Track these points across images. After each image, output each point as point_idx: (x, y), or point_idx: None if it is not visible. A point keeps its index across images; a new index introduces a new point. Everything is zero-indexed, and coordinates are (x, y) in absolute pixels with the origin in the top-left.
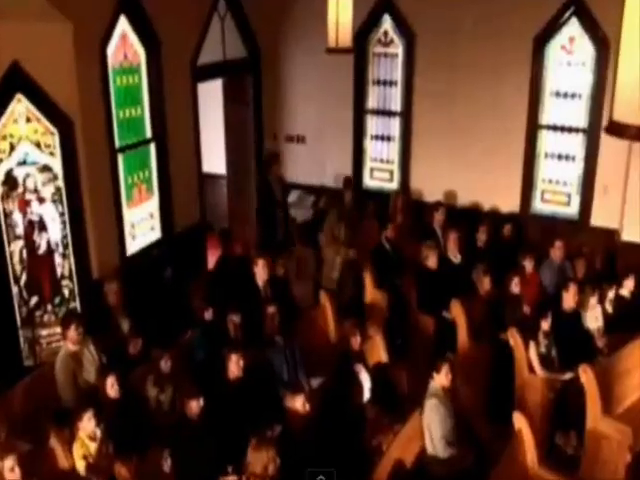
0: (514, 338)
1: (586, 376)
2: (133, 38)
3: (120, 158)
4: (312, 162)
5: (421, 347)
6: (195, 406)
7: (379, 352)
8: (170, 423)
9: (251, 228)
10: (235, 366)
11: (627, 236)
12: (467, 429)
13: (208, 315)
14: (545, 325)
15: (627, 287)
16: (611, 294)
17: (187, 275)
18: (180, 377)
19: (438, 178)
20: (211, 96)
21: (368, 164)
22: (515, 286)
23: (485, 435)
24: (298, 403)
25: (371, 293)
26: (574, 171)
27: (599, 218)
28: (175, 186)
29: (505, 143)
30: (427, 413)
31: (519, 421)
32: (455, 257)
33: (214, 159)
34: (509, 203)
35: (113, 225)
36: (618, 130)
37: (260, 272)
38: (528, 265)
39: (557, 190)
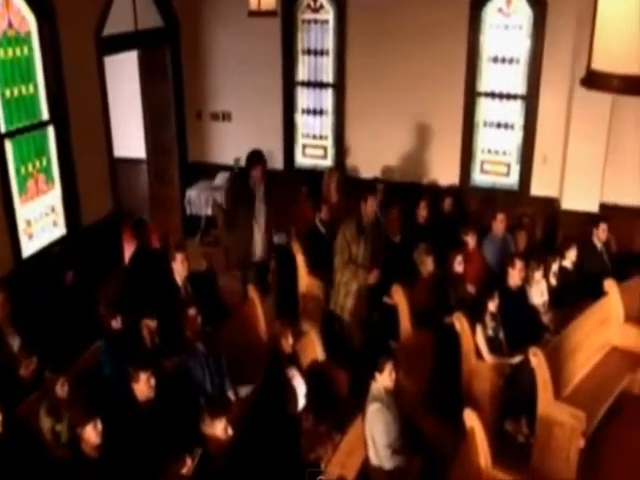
0: (460, 322)
1: (537, 360)
2: (19, 2)
3: (8, 145)
4: (239, 141)
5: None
6: (92, 433)
7: (315, 349)
8: (68, 459)
9: (175, 216)
10: (145, 386)
11: (567, 204)
12: (414, 431)
13: (116, 323)
14: (492, 306)
15: (569, 258)
16: (555, 266)
17: (98, 276)
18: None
19: (374, 153)
20: (126, 71)
21: (300, 140)
22: (458, 265)
23: (433, 434)
24: (219, 429)
25: (305, 281)
26: (513, 140)
27: (539, 187)
28: (81, 174)
29: (443, 113)
30: (369, 420)
31: (470, 419)
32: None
33: (132, 141)
34: (448, 176)
35: (2, 223)
36: (598, 82)
37: (179, 268)
38: (470, 241)
39: (497, 160)
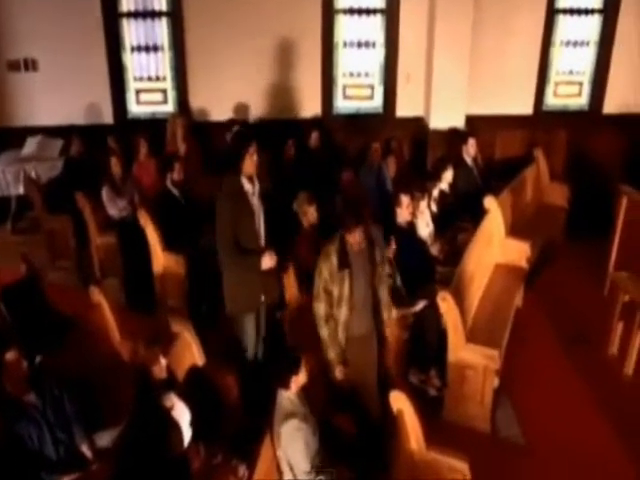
0: None
1: (446, 304)
2: None
3: None
4: (52, 94)
5: None
6: None
7: (192, 352)
8: None
9: None
10: None
11: (434, 123)
12: (333, 435)
13: None
14: (389, 252)
15: (446, 180)
16: (435, 192)
17: None
18: None
19: (224, 91)
20: None
21: (132, 85)
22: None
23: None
24: None
25: (161, 259)
26: (375, 60)
27: (404, 108)
28: None
29: (299, 37)
30: (285, 442)
31: (398, 401)
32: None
33: None
34: (311, 107)
35: None
36: None
37: None
38: (346, 177)
39: (359, 83)
